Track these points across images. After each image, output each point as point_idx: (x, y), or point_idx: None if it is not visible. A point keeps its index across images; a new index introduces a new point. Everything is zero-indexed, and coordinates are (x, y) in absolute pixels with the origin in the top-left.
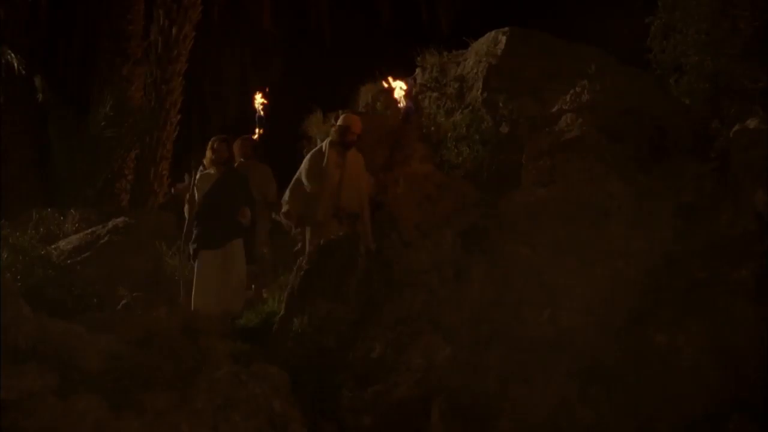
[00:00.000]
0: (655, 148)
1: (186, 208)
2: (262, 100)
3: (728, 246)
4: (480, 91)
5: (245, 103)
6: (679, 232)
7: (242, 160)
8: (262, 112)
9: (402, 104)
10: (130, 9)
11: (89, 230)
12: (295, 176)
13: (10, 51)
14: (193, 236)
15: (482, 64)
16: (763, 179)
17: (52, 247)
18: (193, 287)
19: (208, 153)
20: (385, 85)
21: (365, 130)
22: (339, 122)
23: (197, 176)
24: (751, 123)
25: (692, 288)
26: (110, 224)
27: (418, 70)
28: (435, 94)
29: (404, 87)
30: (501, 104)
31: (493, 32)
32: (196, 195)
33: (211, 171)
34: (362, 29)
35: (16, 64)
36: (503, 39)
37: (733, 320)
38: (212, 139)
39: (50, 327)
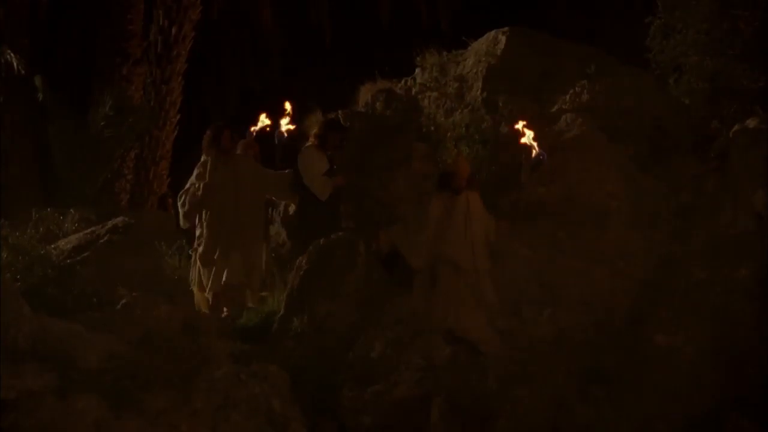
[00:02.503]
0: (654, 148)
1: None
2: (288, 126)
3: (727, 246)
4: (480, 90)
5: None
6: (679, 232)
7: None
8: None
9: (534, 152)
10: (129, 9)
11: (89, 230)
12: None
13: (9, 51)
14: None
15: (482, 64)
16: (762, 179)
17: (52, 246)
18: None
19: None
20: (517, 127)
21: (365, 130)
22: (446, 168)
23: None
24: (751, 123)
25: (692, 288)
26: (110, 224)
27: (417, 70)
28: (435, 94)
29: (532, 132)
30: (501, 104)
31: (492, 32)
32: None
33: None
34: (362, 28)
35: (15, 64)
36: (503, 39)
37: (733, 320)
38: None
39: (50, 326)
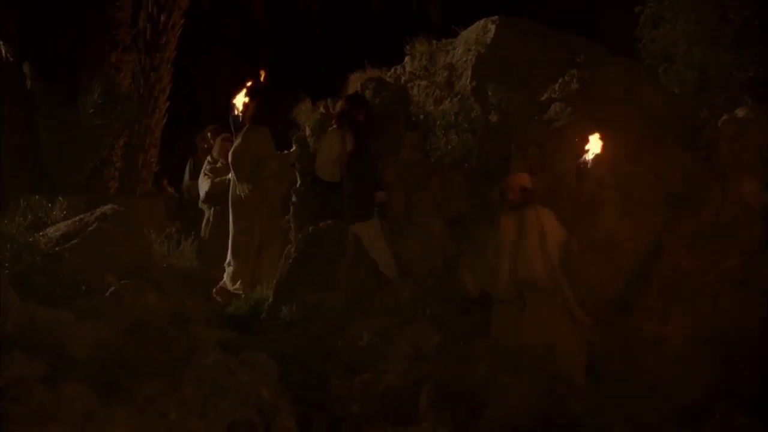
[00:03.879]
0: (643, 137)
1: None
2: (244, 99)
3: (716, 235)
4: (469, 79)
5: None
6: (668, 221)
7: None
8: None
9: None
10: None
11: (77, 217)
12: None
13: None
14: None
15: (471, 53)
16: (751, 169)
17: (40, 234)
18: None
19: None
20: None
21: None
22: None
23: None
24: (740, 112)
25: (680, 277)
26: (98, 211)
27: (407, 58)
28: (424, 83)
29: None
30: (490, 93)
31: (482, 21)
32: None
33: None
34: (352, 17)
35: (4, 51)
36: (492, 27)
37: (721, 309)
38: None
39: (38, 314)
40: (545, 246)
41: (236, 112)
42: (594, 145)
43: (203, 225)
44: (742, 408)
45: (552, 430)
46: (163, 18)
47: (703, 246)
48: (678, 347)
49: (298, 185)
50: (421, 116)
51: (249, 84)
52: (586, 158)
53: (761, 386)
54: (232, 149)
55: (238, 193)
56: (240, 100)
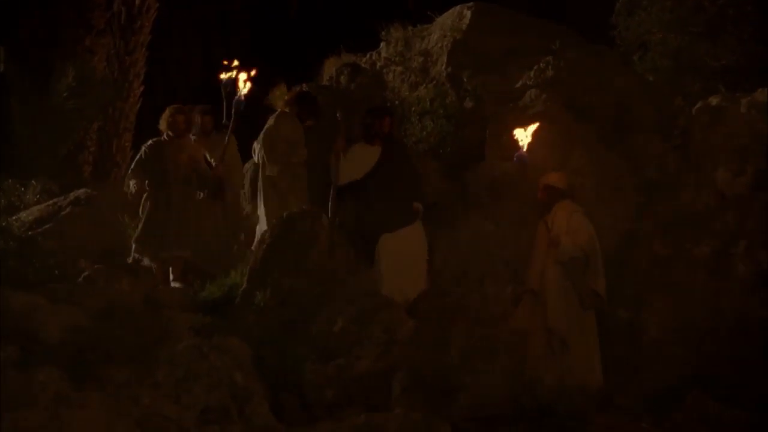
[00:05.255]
0: (618, 124)
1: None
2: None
3: (690, 223)
4: (444, 65)
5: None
6: (642, 209)
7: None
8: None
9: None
10: None
11: (51, 201)
12: None
13: None
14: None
15: (447, 39)
16: (724, 156)
17: (13, 218)
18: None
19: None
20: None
21: (329, 104)
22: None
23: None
24: (714, 100)
25: (654, 264)
26: (72, 196)
27: (382, 44)
28: (399, 69)
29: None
30: (465, 79)
31: (458, 7)
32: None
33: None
34: (328, 1)
35: None
36: (468, 14)
37: (695, 296)
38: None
39: (11, 299)
40: (551, 251)
41: (240, 96)
42: (523, 136)
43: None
44: (715, 395)
45: (524, 415)
46: (137, 2)
47: (677, 233)
48: (651, 333)
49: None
50: (397, 102)
51: (236, 65)
52: (522, 151)
53: (734, 373)
54: (265, 131)
55: (268, 174)
56: (243, 83)
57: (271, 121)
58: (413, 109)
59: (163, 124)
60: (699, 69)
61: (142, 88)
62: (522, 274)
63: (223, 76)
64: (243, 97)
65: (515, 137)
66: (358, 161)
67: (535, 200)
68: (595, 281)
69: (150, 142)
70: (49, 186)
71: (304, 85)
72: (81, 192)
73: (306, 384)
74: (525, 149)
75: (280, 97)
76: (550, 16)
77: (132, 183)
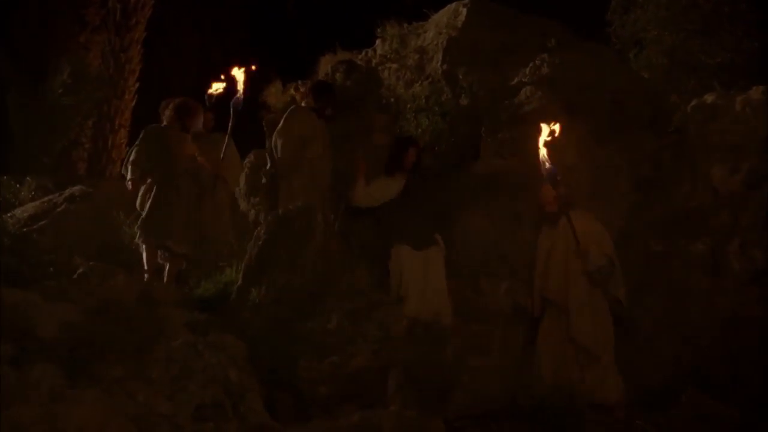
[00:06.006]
0: (613, 121)
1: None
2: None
3: (685, 220)
4: (440, 62)
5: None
6: (637, 206)
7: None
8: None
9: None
10: None
11: (46, 198)
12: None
13: None
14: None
15: (442, 36)
16: (719, 154)
17: (8, 215)
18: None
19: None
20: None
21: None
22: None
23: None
24: (709, 98)
25: (649, 261)
26: (67, 192)
27: (378, 41)
28: (395, 66)
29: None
30: (461, 76)
31: (453, 4)
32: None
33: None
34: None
35: None
36: (463, 11)
37: (690, 293)
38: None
39: (6, 296)
40: (571, 261)
41: (239, 96)
42: (544, 153)
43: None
44: (708, 391)
45: (518, 412)
46: None
47: (671, 231)
48: (646, 330)
49: (268, 167)
50: (392, 99)
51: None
52: (546, 163)
53: (728, 370)
54: (278, 128)
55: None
56: (242, 84)
57: (285, 116)
58: (408, 106)
59: (174, 116)
60: (694, 66)
61: (137, 85)
62: (519, 272)
63: (211, 90)
64: (242, 97)
65: (541, 159)
66: (379, 193)
67: (528, 196)
68: (617, 289)
69: (153, 127)
70: (44, 182)
71: (299, 83)
72: (76, 189)
73: (301, 381)
74: (548, 163)
75: (275, 94)
76: (546, 14)
77: (133, 169)
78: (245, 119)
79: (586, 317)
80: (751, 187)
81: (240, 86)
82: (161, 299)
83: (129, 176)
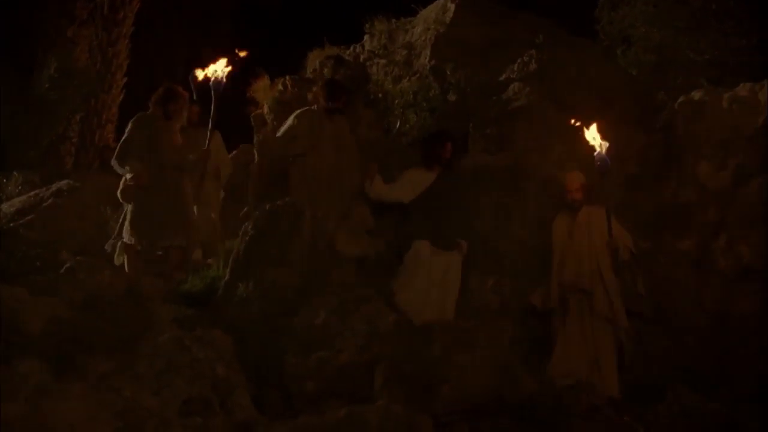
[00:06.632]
0: (600, 118)
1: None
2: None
3: (672, 216)
4: (428, 58)
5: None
6: (624, 202)
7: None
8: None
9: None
10: None
11: (33, 193)
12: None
13: None
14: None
15: (430, 32)
16: (706, 150)
17: None
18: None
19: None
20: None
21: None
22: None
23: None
24: (696, 95)
25: (637, 257)
26: (54, 187)
27: (366, 37)
28: (383, 61)
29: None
30: (449, 72)
31: (441, 0)
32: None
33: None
34: None
35: None
36: (452, 7)
37: (676, 290)
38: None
39: None
40: (593, 247)
41: (221, 78)
42: (593, 136)
43: None
44: (695, 388)
45: (506, 408)
46: None
47: (658, 227)
48: (633, 327)
49: (255, 161)
50: (380, 95)
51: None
52: (601, 153)
53: (715, 367)
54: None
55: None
56: (223, 62)
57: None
58: (396, 101)
59: (156, 101)
60: (682, 63)
61: (125, 80)
62: (507, 268)
63: (198, 72)
64: (223, 80)
65: (589, 142)
66: (410, 186)
67: (516, 192)
68: (638, 283)
69: (140, 115)
70: (30, 177)
71: (287, 78)
72: (63, 183)
73: (288, 376)
74: (603, 150)
75: (263, 89)
76: (534, 10)
77: (129, 164)
78: (232, 115)
79: (622, 305)
80: (738, 184)
81: (221, 69)
82: (148, 294)
83: (131, 172)
